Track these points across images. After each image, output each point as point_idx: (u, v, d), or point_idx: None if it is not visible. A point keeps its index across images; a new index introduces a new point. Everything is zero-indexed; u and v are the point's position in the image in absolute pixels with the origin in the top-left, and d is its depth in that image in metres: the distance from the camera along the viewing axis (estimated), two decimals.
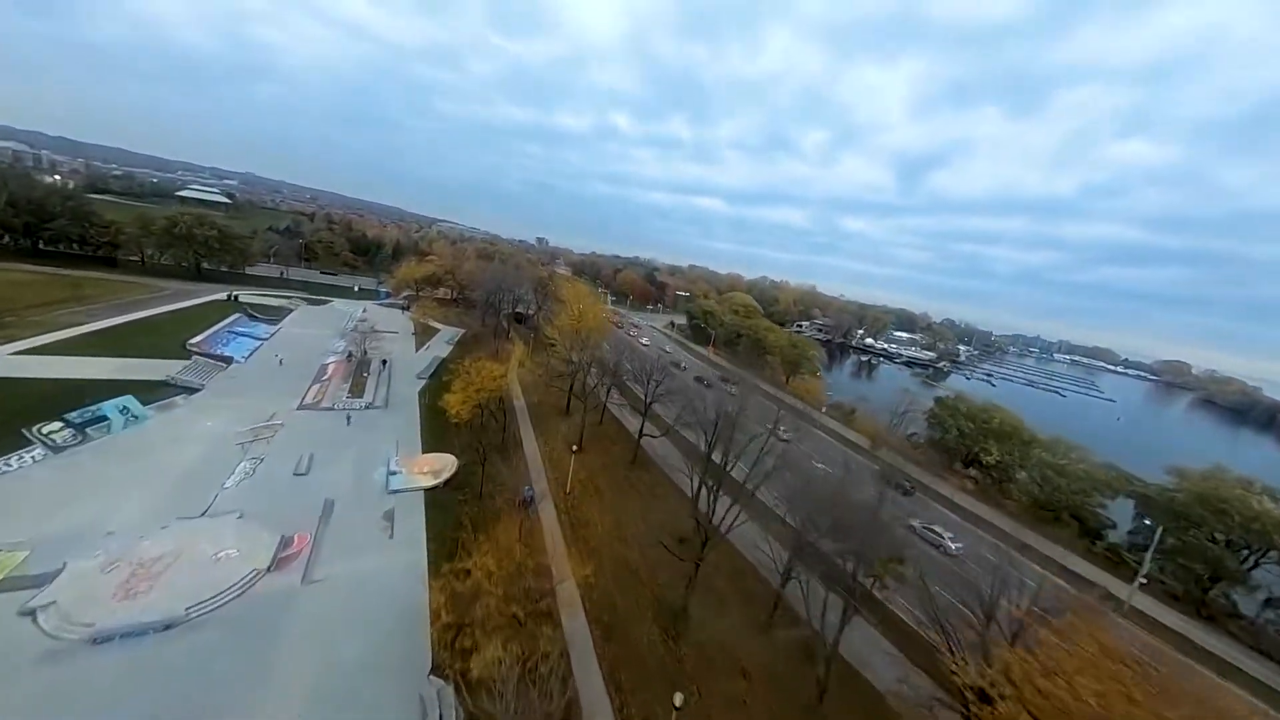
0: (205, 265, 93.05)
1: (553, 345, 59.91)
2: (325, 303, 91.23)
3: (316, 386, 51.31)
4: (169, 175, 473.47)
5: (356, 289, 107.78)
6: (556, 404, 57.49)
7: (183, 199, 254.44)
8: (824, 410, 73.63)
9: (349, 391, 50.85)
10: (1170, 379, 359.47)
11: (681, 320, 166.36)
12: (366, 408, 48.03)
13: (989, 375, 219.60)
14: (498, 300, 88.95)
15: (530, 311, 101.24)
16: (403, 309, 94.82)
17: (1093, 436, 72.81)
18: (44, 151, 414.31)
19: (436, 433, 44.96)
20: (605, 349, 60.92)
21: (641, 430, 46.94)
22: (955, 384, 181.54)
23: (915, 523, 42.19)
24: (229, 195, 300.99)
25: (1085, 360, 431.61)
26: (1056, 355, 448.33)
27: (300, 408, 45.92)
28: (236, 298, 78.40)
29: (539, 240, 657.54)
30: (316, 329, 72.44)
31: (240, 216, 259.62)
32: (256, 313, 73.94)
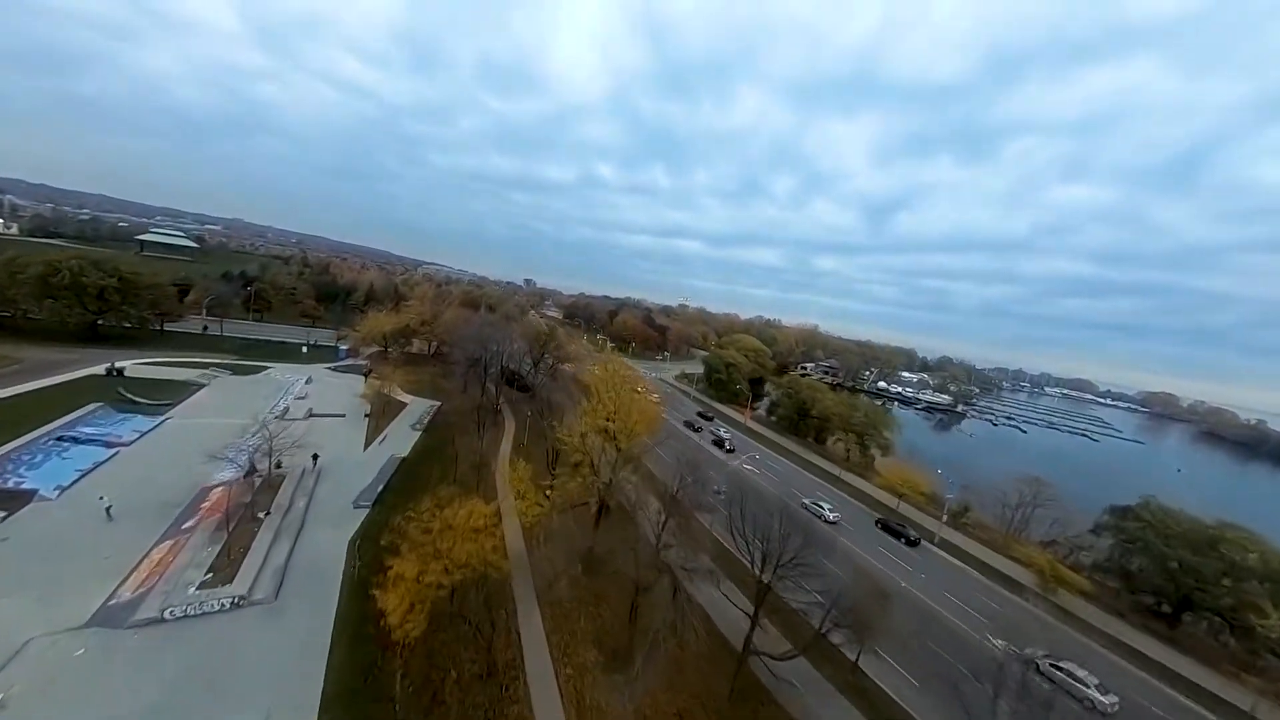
0: (104, 322, 71.56)
1: (572, 458, 38.54)
2: (258, 371, 69.70)
3: (164, 548, 29.42)
4: (145, 220, 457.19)
5: (306, 347, 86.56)
6: (580, 550, 35.95)
7: (143, 243, 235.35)
8: (944, 519, 52.49)
9: (214, 561, 28.92)
10: (1159, 410, 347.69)
11: (694, 369, 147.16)
12: (235, 604, 26.03)
13: (1010, 419, 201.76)
14: (485, 360, 68.36)
15: (527, 372, 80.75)
16: (364, 374, 73.61)
17: (1171, 494, 51.22)
18: (7, 196, 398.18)
19: (354, 672, 23.11)
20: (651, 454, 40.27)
21: (749, 641, 25.37)
22: (976, 429, 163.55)
23: None
24: (198, 239, 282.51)
25: (1073, 393, 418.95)
26: (1047, 389, 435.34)
27: (92, 622, 23.80)
28: (119, 371, 56.73)
29: (526, 281, 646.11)
30: (227, 418, 50.67)
31: (206, 261, 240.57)
32: (140, 395, 52.17)
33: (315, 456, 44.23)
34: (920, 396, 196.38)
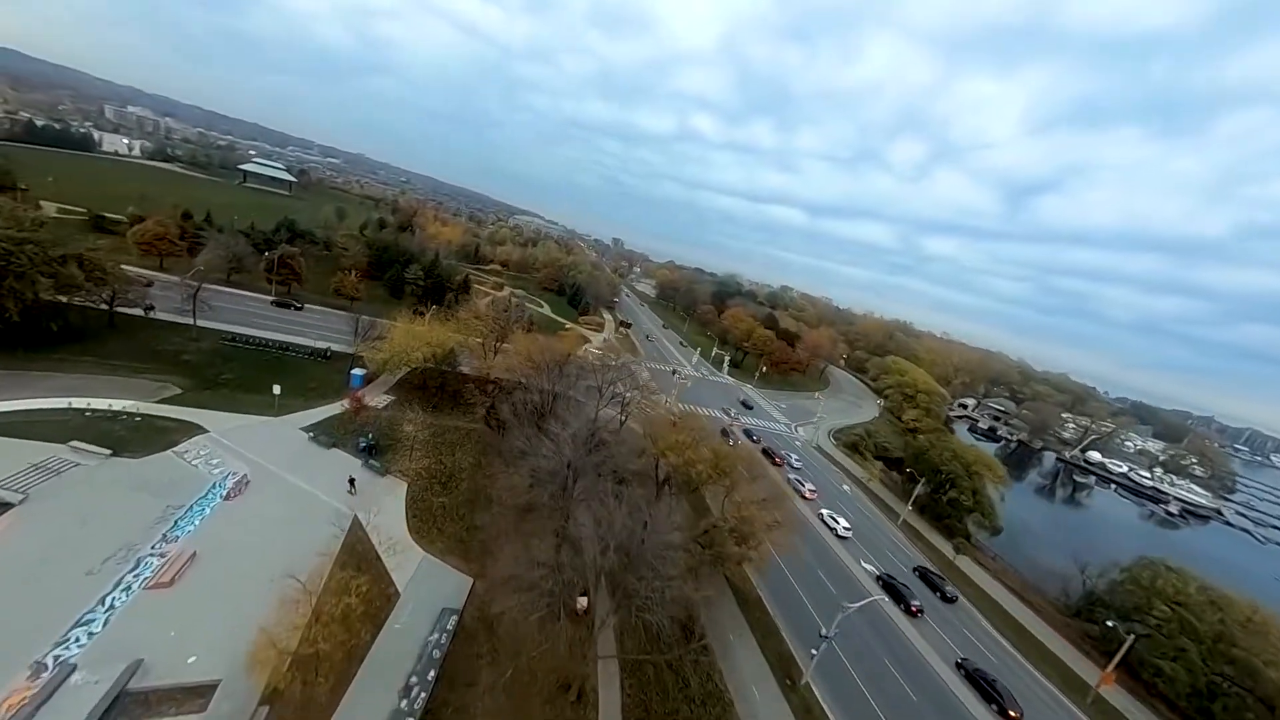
0: (45, 304, 44.44)
1: None
2: (171, 439, 39.08)
3: None
4: (279, 149, 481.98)
5: (309, 355, 56.56)
6: None
7: (245, 173, 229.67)
8: None
9: None
10: None
11: (839, 406, 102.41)
12: None
13: None
14: (581, 461, 32.71)
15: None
16: (349, 485, 39.99)
17: None
18: (166, 120, 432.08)
19: None
20: None
21: None
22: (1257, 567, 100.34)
23: None
24: (300, 173, 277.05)
25: None
26: (1274, 457, 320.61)
27: None
28: None
29: (615, 241, 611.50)
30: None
31: (302, 196, 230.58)
32: None
33: None
34: (1165, 489, 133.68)
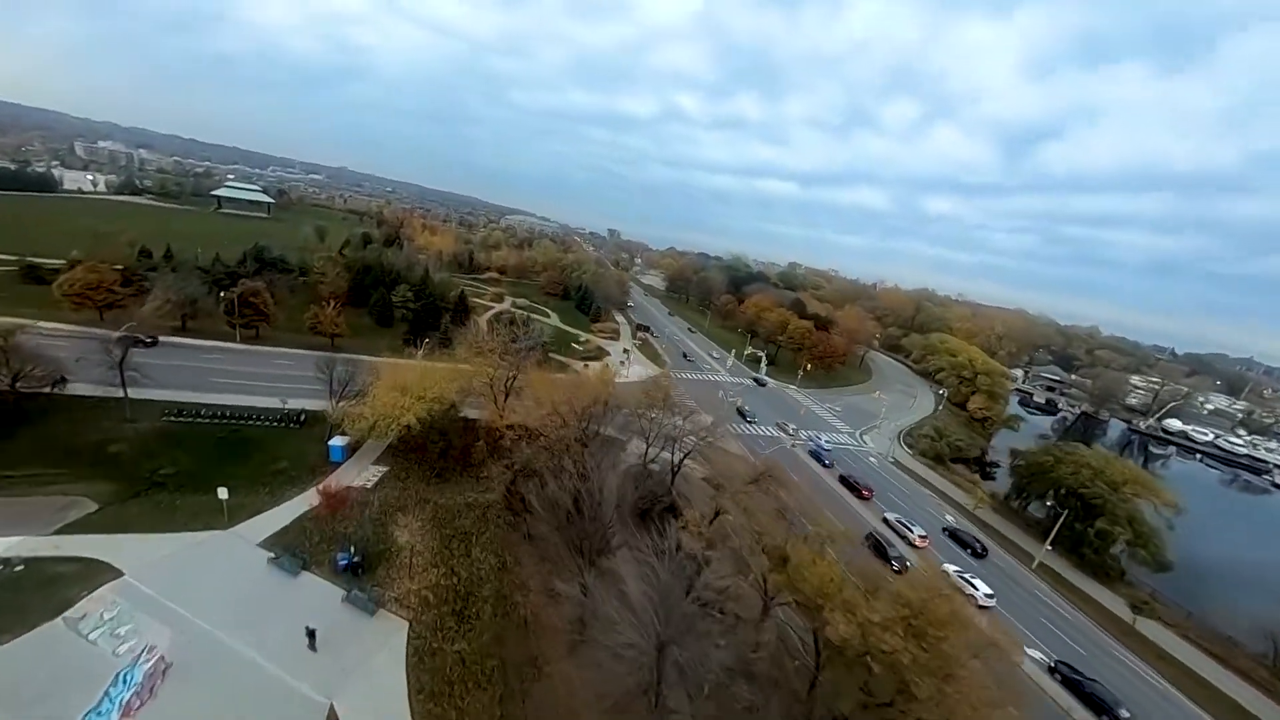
0: None
1: None
2: (92, 589, 27.48)
3: None
4: (259, 171, 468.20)
5: (298, 417, 44.70)
6: None
7: (220, 199, 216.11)
8: None
9: None
10: None
11: (921, 410, 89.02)
12: None
13: None
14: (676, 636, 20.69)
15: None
16: (356, 593, 28.47)
17: None
18: (140, 151, 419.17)
19: None
20: None
21: None
22: None
23: None
24: (278, 193, 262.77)
25: None
26: None
27: None
28: None
29: (610, 232, 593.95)
30: None
31: (281, 219, 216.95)
32: None
33: None
34: (1264, 456, 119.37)
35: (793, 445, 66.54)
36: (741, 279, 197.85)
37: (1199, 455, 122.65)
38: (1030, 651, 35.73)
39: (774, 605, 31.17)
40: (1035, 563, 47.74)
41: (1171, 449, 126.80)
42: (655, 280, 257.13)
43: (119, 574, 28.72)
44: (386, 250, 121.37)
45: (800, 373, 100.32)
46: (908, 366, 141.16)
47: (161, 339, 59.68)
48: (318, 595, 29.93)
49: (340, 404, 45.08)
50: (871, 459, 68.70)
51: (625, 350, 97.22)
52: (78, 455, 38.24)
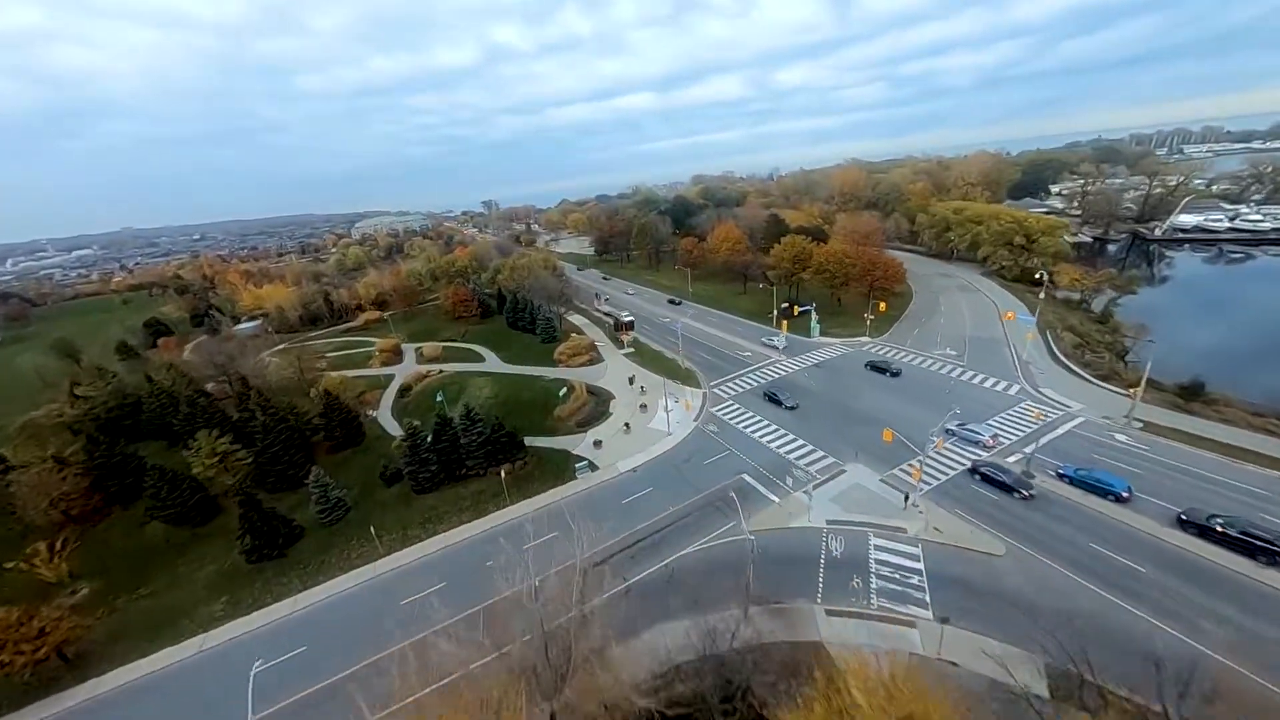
0: None
1: None
2: None
3: None
4: None
5: None
6: None
7: None
8: None
9: None
10: None
11: (996, 307, 63.41)
12: None
13: None
14: None
15: None
16: None
17: None
18: None
19: None
20: None
21: None
22: None
23: None
24: (5, 296, 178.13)
25: (1223, 149, 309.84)
26: (1187, 149, 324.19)
27: None
28: None
29: (487, 204, 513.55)
30: None
31: (18, 340, 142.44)
32: None
33: None
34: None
35: (1028, 494, 36.84)
36: (683, 213, 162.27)
37: (1218, 247, 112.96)
38: None
39: None
40: None
41: (1186, 246, 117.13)
42: (574, 244, 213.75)
43: None
44: (191, 329, 72.25)
45: (868, 321, 71.27)
46: (924, 255, 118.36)
47: None
48: None
49: None
50: (1118, 436, 41.88)
51: (638, 384, 62.26)
52: None
